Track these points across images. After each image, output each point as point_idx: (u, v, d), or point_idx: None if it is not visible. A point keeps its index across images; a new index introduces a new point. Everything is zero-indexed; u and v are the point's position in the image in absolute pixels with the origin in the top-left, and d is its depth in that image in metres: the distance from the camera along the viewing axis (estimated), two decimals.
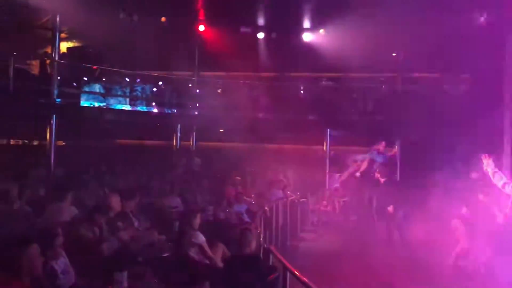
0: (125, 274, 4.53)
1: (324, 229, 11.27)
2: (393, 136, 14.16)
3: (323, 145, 14.36)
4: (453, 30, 12.44)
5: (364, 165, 11.46)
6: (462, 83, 13.88)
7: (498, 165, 7.64)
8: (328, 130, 14.16)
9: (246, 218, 9.02)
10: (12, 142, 17.12)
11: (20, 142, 17.19)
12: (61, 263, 4.68)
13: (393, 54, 15.24)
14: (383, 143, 11.96)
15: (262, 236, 6.98)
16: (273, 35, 14.11)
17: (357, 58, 13.21)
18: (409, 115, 13.73)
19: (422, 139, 13.51)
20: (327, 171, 14.05)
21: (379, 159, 11.51)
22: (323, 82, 16.01)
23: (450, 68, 13.99)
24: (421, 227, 9.50)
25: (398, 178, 13.28)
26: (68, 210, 6.70)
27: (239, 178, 11.42)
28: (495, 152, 8.89)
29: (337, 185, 13.25)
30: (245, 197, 10.01)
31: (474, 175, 9.62)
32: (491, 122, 10.95)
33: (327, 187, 13.16)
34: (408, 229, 9.60)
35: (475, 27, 12.55)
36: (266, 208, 8.63)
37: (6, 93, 10.47)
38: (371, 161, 11.70)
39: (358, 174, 11.48)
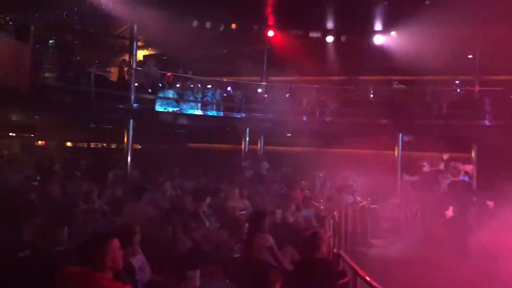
0: (197, 272, 4.67)
1: (395, 236, 10.94)
2: (469, 141, 13.53)
3: (395, 150, 13.96)
4: None
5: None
6: None
7: None
8: (400, 134, 13.75)
9: (314, 222, 8.97)
10: (92, 145, 18.22)
11: (100, 145, 18.25)
12: (138, 259, 4.91)
13: (469, 56, 14.59)
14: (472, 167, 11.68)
15: (331, 241, 6.91)
16: (343, 38, 13.96)
17: (431, 60, 12.76)
18: (487, 119, 13.09)
19: (501, 145, 12.79)
20: (399, 177, 13.64)
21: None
22: (395, 85, 15.61)
23: None
24: (499, 238, 8.99)
25: (474, 185, 12.69)
26: (144, 210, 7.01)
27: (304, 182, 11.38)
28: None
29: (409, 190, 12.85)
30: (313, 202, 9.97)
31: None
32: None
33: (398, 193, 12.77)
34: (484, 239, 9.11)
35: None
36: (335, 213, 8.54)
37: (88, 99, 11.11)
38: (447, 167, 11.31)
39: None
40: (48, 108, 10.83)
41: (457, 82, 15.26)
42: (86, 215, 6.82)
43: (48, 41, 11.81)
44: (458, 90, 14.74)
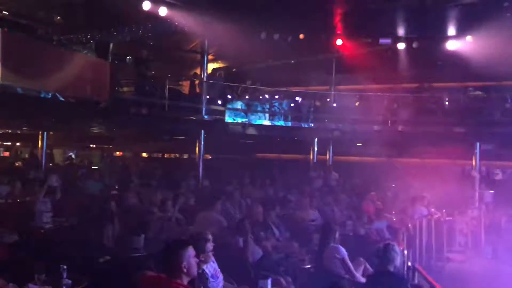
0: (269, 281, 4.70)
1: (474, 251, 10.37)
2: None
3: (472, 160, 13.27)
4: None
5: None
6: None
7: None
8: (478, 143, 13.06)
9: (387, 234, 8.72)
10: (166, 155, 18.92)
11: (173, 155, 18.91)
12: (211, 267, 5.02)
13: None
14: None
15: (405, 254, 6.68)
16: (415, 44, 13.50)
17: (510, 65, 12.06)
18: None
19: None
20: (477, 188, 12.94)
21: None
22: (471, 92, 14.88)
23: None
24: None
25: None
26: (216, 219, 7.17)
27: (374, 193, 11.10)
28: None
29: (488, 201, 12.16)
30: (385, 214, 9.71)
31: None
32: None
33: (476, 205, 12.10)
34: None
35: None
36: (409, 225, 8.25)
37: (162, 112, 11.57)
38: None
39: None
40: (126, 120, 11.41)
41: None
42: (161, 223, 7.06)
43: (126, 57, 12.46)
44: None
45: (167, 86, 11.84)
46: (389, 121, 14.01)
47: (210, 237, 4.96)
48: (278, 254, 6.51)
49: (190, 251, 3.54)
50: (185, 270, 3.47)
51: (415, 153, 13.40)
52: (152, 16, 11.15)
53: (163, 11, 11.24)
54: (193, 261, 3.55)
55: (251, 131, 13.71)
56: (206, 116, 12.41)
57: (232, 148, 16.17)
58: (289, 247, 6.89)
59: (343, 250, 5.71)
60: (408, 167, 12.82)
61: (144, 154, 18.51)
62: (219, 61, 16.20)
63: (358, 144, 14.82)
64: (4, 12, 10.88)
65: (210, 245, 4.83)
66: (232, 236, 6.09)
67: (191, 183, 11.44)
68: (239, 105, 13.58)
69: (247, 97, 14.08)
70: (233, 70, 16.30)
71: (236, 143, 15.95)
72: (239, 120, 13.28)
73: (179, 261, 3.46)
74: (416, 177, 12.25)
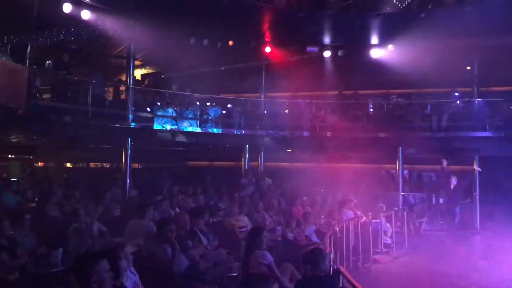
0: None
1: (398, 251, 10.78)
2: (470, 153, 13.40)
3: (396, 164, 13.83)
4: None
5: None
6: None
7: None
8: (400, 148, 13.62)
9: (315, 238, 8.83)
10: (91, 165, 18.11)
11: (99, 165, 18.12)
12: (131, 280, 4.76)
13: (468, 68, 14.54)
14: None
15: (332, 257, 6.75)
16: (340, 52, 13.90)
17: (429, 72, 12.73)
18: (488, 130, 13.01)
19: (502, 155, 12.73)
20: (401, 190, 13.49)
21: None
22: (394, 99, 15.53)
23: None
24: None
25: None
26: (146, 226, 6.92)
27: (306, 198, 11.24)
28: None
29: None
30: (314, 218, 9.83)
31: None
32: None
33: (400, 207, 12.61)
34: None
35: None
36: (336, 228, 8.39)
37: (86, 119, 11.03)
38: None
39: None
40: (46, 128, 10.74)
41: (456, 94, 15.23)
42: (81, 235, 6.68)
43: (45, 62, 11.78)
44: (458, 102, 14.68)
45: (91, 92, 11.31)
46: (317, 127, 14.30)
47: (127, 248, 4.66)
48: (206, 263, 6.36)
49: (102, 265, 3.30)
50: (95, 286, 3.23)
51: (343, 158, 13.75)
52: (74, 19, 10.67)
53: (85, 14, 10.80)
54: (106, 275, 3.32)
55: (181, 138, 13.42)
56: (133, 124, 11.98)
57: (163, 157, 15.78)
58: (217, 255, 6.75)
59: (269, 255, 5.65)
60: (336, 172, 13.10)
61: (68, 164, 17.60)
62: (147, 67, 15.82)
63: (288, 150, 14.98)
64: None
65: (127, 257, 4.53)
66: (157, 246, 5.84)
67: (117, 194, 10.99)
68: (169, 112, 13.25)
69: (175, 103, 13.75)
70: (162, 76, 15.96)
71: (167, 151, 15.58)
72: (169, 127, 12.96)
73: (89, 277, 3.22)
74: (344, 181, 12.57)
